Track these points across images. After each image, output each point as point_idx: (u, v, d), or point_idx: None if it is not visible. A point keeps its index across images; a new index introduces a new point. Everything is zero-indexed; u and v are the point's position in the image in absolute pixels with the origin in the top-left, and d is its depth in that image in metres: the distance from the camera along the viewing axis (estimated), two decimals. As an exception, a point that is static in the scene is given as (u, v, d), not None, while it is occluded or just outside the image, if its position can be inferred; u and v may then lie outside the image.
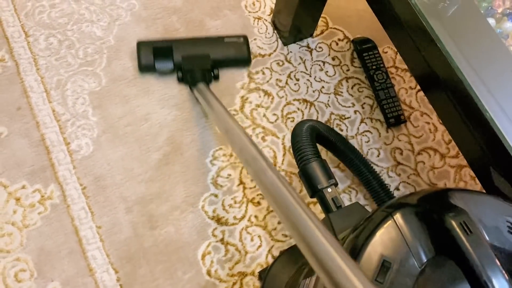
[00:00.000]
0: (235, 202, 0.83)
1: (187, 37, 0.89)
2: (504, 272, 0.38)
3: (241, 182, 0.85)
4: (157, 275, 0.77)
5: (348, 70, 0.95)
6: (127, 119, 0.86)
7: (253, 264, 0.80)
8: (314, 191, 0.63)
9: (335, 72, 0.95)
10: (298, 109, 0.91)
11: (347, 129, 0.91)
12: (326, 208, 0.62)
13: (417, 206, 0.45)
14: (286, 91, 0.92)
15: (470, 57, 0.52)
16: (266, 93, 0.91)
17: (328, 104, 0.92)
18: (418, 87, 0.96)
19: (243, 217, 0.82)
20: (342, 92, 0.93)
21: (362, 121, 0.92)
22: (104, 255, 0.77)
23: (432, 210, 0.43)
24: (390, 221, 0.43)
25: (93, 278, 0.76)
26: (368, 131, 0.91)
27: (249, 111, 0.90)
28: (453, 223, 0.41)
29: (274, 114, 0.90)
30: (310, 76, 0.94)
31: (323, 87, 0.93)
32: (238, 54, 0.89)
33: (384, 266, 0.40)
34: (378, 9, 0.64)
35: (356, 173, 0.81)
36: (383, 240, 0.42)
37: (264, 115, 0.90)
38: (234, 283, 0.78)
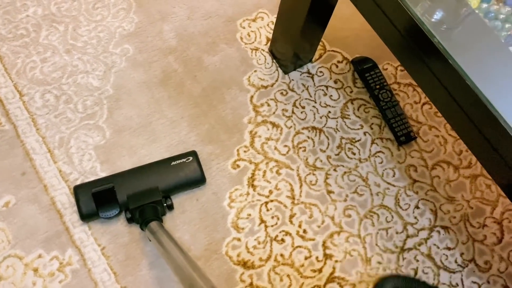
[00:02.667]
0: (259, 243, 0.82)
1: (129, 169, 0.81)
2: None
3: (262, 221, 0.83)
4: (191, 330, 0.75)
5: (351, 91, 0.95)
6: (137, 170, 0.83)
7: (286, 305, 0.78)
8: None
9: (339, 96, 0.94)
10: (308, 137, 0.90)
11: (359, 152, 0.90)
12: None
13: None
14: (293, 121, 0.91)
15: (488, 82, 0.51)
16: (274, 125, 0.90)
17: (337, 129, 0.91)
18: (423, 100, 0.96)
19: (269, 258, 0.81)
20: (349, 115, 0.93)
21: (373, 142, 0.91)
22: (133, 317, 0.74)
23: None
24: None
25: None
26: (380, 151, 0.90)
27: (260, 145, 0.88)
28: None
29: (285, 146, 0.89)
30: (315, 102, 0.93)
31: (329, 112, 0.92)
32: (190, 176, 0.81)
33: None
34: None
35: None
36: None
37: (275, 148, 0.88)
38: (269, 328, 0.76)
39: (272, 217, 0.83)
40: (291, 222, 0.84)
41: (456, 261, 0.84)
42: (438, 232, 0.86)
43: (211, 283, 0.62)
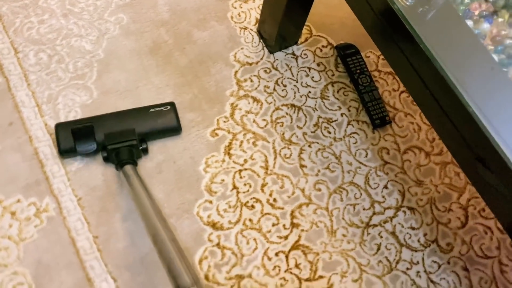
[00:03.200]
0: (230, 207, 0.85)
1: (109, 113, 0.85)
2: None
3: (234, 187, 0.86)
4: (156, 281, 0.78)
5: (333, 75, 0.99)
6: (119, 130, 0.87)
7: (249, 266, 0.81)
8: None
9: (320, 78, 0.98)
10: (287, 113, 0.94)
11: (335, 132, 0.93)
12: None
13: None
14: (274, 97, 0.94)
15: (451, 56, 0.55)
16: (255, 99, 0.94)
17: (315, 108, 0.95)
18: (401, 89, 0.99)
19: (237, 221, 0.84)
20: (328, 96, 0.96)
21: (349, 123, 0.95)
22: (102, 265, 0.78)
23: None
24: None
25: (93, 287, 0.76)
26: (355, 132, 0.94)
27: (239, 117, 0.92)
28: None
29: (264, 120, 0.92)
30: (297, 82, 0.97)
31: (309, 92, 0.96)
32: (166, 123, 0.85)
33: None
34: (360, 14, 0.67)
35: None
36: None
37: (254, 121, 0.92)
38: (231, 286, 0.79)
39: (245, 184, 0.87)
40: (262, 190, 0.87)
41: (419, 241, 0.87)
42: (404, 212, 0.89)
43: (172, 235, 0.65)
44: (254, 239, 0.83)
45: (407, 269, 0.84)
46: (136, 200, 0.72)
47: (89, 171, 0.83)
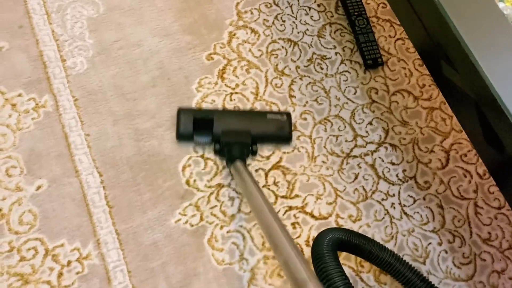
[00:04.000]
0: (217, 125, 0.89)
1: (229, 109, 0.89)
2: None
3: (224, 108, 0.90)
4: (139, 181, 0.82)
5: (332, 16, 1.01)
6: (120, 43, 0.92)
7: (229, 177, 0.85)
8: None
9: (319, 17, 1.01)
10: (282, 47, 0.97)
11: (327, 68, 0.96)
12: None
13: None
14: (272, 31, 0.98)
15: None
16: (253, 30, 0.97)
17: (311, 44, 0.98)
18: (398, 36, 1.01)
19: (223, 138, 0.88)
20: (325, 35, 0.99)
21: (342, 62, 0.97)
22: (90, 160, 0.82)
23: None
24: None
25: (78, 179, 0.81)
26: (347, 71, 0.97)
27: (236, 45, 0.95)
28: None
29: (259, 50, 0.96)
30: (296, 19, 1.00)
31: (307, 29, 0.99)
32: (279, 131, 0.87)
33: None
34: None
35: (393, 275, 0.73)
36: None
37: (250, 50, 0.95)
38: (211, 193, 0.83)
39: (234, 107, 0.91)
40: (250, 113, 0.90)
41: (397, 176, 0.89)
42: (386, 148, 0.91)
43: (287, 233, 0.62)
44: (237, 155, 0.87)
45: (382, 199, 0.87)
46: (248, 195, 0.72)
47: (88, 77, 0.88)
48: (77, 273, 0.75)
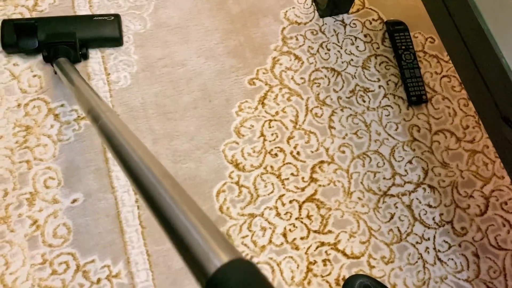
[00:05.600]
0: (254, 151, 0.88)
1: (54, 16, 0.89)
2: None
3: (262, 135, 0.89)
4: (173, 203, 0.82)
5: (378, 48, 1.00)
6: (165, 61, 0.92)
7: (262, 206, 0.84)
8: None
9: (365, 48, 0.99)
10: (325, 76, 0.96)
11: (369, 101, 0.95)
12: None
13: None
14: (316, 59, 0.97)
15: None
16: (297, 57, 0.96)
17: (354, 76, 0.96)
18: (444, 73, 0.99)
19: (259, 166, 0.87)
20: (369, 67, 0.98)
21: (385, 96, 0.96)
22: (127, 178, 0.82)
23: None
24: None
25: (114, 195, 0.81)
26: (389, 105, 0.95)
27: (279, 72, 0.95)
28: None
29: (302, 78, 0.95)
30: (341, 48, 0.98)
31: (352, 59, 0.98)
32: (108, 32, 0.88)
33: None
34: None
35: None
36: None
37: (292, 78, 0.95)
38: (244, 222, 0.82)
39: (272, 134, 0.90)
40: (288, 142, 0.89)
41: (434, 219, 0.87)
42: (424, 189, 0.89)
43: (107, 106, 0.61)
44: (272, 184, 0.86)
45: (417, 243, 0.85)
46: (71, 86, 0.70)
47: (131, 92, 0.88)
48: (106, 292, 0.75)
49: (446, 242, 0.85)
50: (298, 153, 0.89)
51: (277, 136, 0.90)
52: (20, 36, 0.84)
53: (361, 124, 0.93)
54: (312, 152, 0.89)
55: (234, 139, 0.88)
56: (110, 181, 0.82)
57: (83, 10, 0.93)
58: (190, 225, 0.34)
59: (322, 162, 0.89)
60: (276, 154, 0.88)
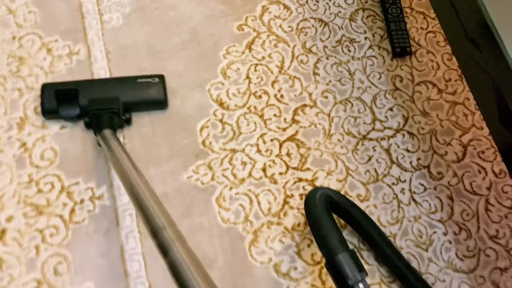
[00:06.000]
0: (239, 92, 0.91)
1: (95, 79, 0.86)
2: None
3: (247, 77, 0.92)
4: (158, 134, 0.85)
5: (366, 2, 1.02)
6: (157, 4, 0.95)
7: (244, 143, 0.87)
8: (344, 286, 0.60)
9: (353, 2, 1.02)
10: (313, 26, 0.98)
11: (354, 51, 0.97)
12: None
13: None
14: (304, 9, 0.99)
15: None
16: (286, 7, 0.99)
17: (341, 27, 0.99)
18: (429, 28, 1.01)
19: (243, 106, 0.90)
20: (356, 20, 1.00)
21: (370, 47, 0.98)
22: (114, 109, 0.86)
23: None
24: None
25: (101, 125, 0.84)
26: (374, 56, 0.97)
27: (267, 20, 0.97)
28: None
29: (290, 26, 0.97)
30: (330, 0, 1.01)
31: (340, 11, 1.00)
32: (152, 95, 0.84)
33: None
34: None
35: (375, 250, 0.77)
36: None
37: (280, 26, 0.97)
38: (225, 156, 0.85)
39: (257, 77, 0.92)
40: (272, 86, 0.92)
41: (411, 163, 0.89)
42: (403, 135, 0.91)
43: (152, 191, 0.63)
44: (255, 123, 0.89)
45: (393, 183, 0.87)
46: (114, 161, 0.69)
47: (122, 32, 0.92)
48: (89, 211, 0.78)
49: (422, 184, 0.88)
50: (281, 96, 0.92)
51: (262, 79, 0.92)
52: (61, 102, 0.79)
53: (345, 72, 0.95)
54: (296, 96, 0.92)
55: (220, 80, 0.91)
56: (98, 111, 0.85)
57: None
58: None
59: (304, 105, 0.91)
60: (260, 96, 0.91)
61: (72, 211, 0.78)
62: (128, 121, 0.83)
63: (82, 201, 0.79)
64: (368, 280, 0.63)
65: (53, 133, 0.83)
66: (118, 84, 0.84)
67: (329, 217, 0.64)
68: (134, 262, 0.76)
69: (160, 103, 0.85)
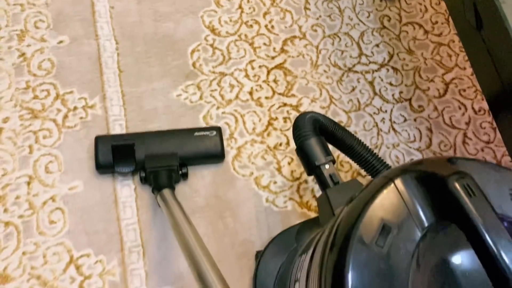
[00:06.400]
0: (231, 21, 0.94)
1: (151, 131, 0.81)
2: (507, 233, 0.37)
3: (240, 7, 0.96)
4: (151, 55, 0.89)
5: None
6: None
7: (233, 67, 0.90)
8: (311, 168, 0.62)
9: None
10: (306, -35, 1.01)
11: (345, -9, 1.00)
12: (323, 184, 0.61)
13: (419, 171, 0.43)
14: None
15: None
16: None
17: (334, -33, 1.02)
18: (420, -27, 1.04)
19: (234, 33, 0.93)
20: (349, -38, 1.03)
21: (360, -12, 1.01)
22: (110, 28, 0.90)
23: (435, 175, 0.41)
24: (390, 186, 0.41)
25: (97, 42, 0.88)
26: (364, -4, 1.00)
27: (263, -43, 1.01)
28: (456, 185, 0.39)
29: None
30: None
31: (333, -47, 1.03)
32: (210, 149, 0.80)
33: (384, 230, 0.38)
34: None
35: (362, 166, 0.72)
36: (383, 205, 0.40)
37: (275, -37, 1.00)
38: (214, 79, 0.89)
39: (250, 8, 0.96)
40: (264, 16, 0.96)
41: (393, 95, 0.93)
42: (387, 70, 0.95)
43: (217, 269, 0.58)
44: (244, 49, 0.92)
45: (374, 113, 0.91)
46: (175, 227, 0.66)
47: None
48: (81, 118, 0.82)
49: (402, 116, 0.91)
50: (272, 26, 0.95)
51: (254, 10, 0.96)
52: (117, 158, 0.76)
53: (335, 9, 0.99)
54: (286, 27, 0.95)
55: (213, 8, 0.95)
56: (95, 30, 0.89)
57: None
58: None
59: (294, 37, 0.95)
60: (251, 25, 0.95)
61: (65, 116, 0.82)
62: (185, 176, 0.79)
63: (75, 108, 0.83)
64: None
65: (51, 46, 0.87)
66: (175, 137, 0.80)
67: (308, 120, 0.65)
68: (122, 165, 0.80)
69: (218, 157, 0.81)
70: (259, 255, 0.75)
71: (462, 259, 0.38)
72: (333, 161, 0.62)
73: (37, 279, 0.71)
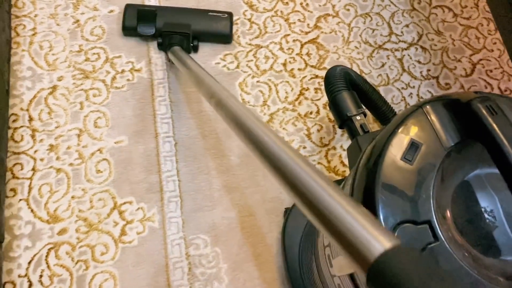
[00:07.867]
0: (268, -2, 1.00)
1: (172, 6, 0.94)
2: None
3: (277, -13, 1.01)
4: (192, 26, 0.95)
5: None
6: None
7: (268, 41, 0.96)
8: (343, 119, 0.66)
9: None
10: (341, -51, 1.06)
11: (377, -26, 1.05)
12: (353, 133, 0.64)
13: (446, 99, 0.47)
14: None
15: None
16: None
17: (368, -48, 1.07)
18: (451, -40, 1.08)
19: (271, 9, 0.99)
20: None
21: (393, -28, 1.05)
22: (156, 0, 0.96)
23: (460, 100, 0.45)
24: (419, 111, 0.45)
25: (144, 12, 0.95)
26: (396, -21, 1.05)
27: None
28: (479, 105, 0.42)
29: None
30: None
31: None
32: (220, 29, 0.92)
33: (412, 145, 0.42)
34: None
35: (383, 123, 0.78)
36: (412, 126, 0.44)
37: None
38: (250, 50, 0.95)
39: (287, -12, 1.02)
40: (299, -5, 1.01)
41: (421, 73, 0.97)
42: (416, 49, 0.99)
43: (227, 91, 0.62)
44: (280, 25, 0.98)
45: (402, 88, 0.95)
46: (188, 72, 0.74)
47: None
48: (128, 80, 0.89)
49: (430, 92, 0.95)
50: (307, 4, 1.00)
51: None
52: (140, 22, 0.89)
53: (367, -9, 1.03)
54: (320, 5, 1.01)
55: (252, -12, 1.01)
56: (142, 1, 0.96)
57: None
58: (345, 212, 0.33)
59: (327, 15, 1.00)
60: (287, 3, 1.00)
61: (114, 78, 0.89)
62: (195, 48, 0.92)
63: (123, 71, 0.90)
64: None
65: (102, 14, 0.94)
66: (192, 14, 0.92)
67: (340, 74, 0.70)
68: (164, 124, 0.86)
69: (226, 37, 0.93)
70: (287, 212, 0.80)
71: (484, 175, 0.42)
72: (364, 114, 0.67)
73: (83, 221, 0.77)
